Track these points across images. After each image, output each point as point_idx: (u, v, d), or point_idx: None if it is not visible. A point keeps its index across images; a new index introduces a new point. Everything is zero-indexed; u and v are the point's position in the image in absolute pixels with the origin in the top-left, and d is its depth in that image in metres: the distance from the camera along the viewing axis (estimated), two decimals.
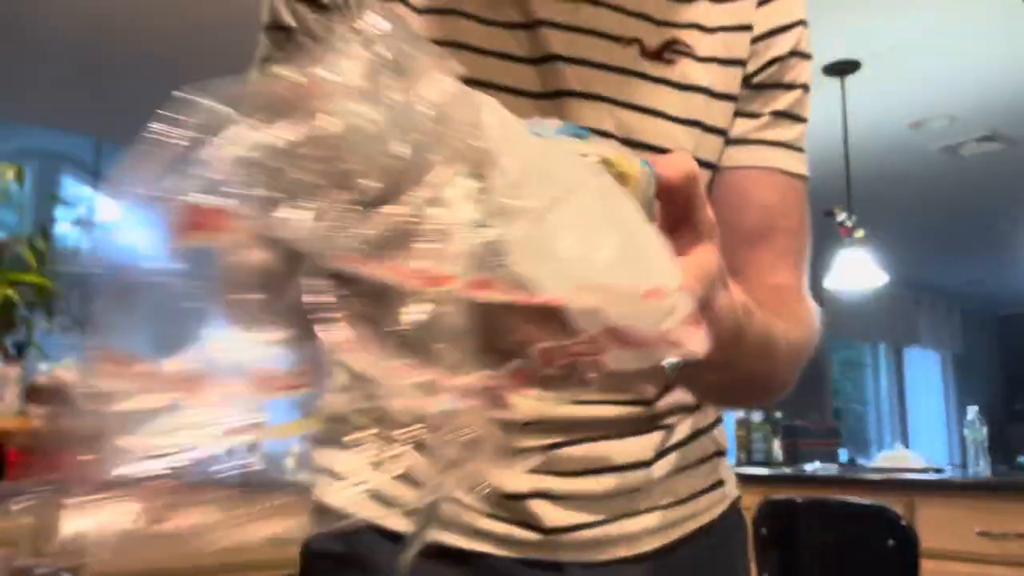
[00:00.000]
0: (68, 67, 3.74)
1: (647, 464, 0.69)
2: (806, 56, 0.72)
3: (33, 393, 2.05)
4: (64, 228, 6.21)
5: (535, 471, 0.66)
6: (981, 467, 2.73)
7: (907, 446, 6.53)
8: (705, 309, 0.38)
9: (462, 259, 0.28)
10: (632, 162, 0.37)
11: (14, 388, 2.10)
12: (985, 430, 2.79)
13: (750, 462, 3.54)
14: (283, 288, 0.30)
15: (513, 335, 0.30)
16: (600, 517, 0.67)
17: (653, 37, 0.66)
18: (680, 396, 0.71)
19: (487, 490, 0.64)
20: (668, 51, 0.66)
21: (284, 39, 0.64)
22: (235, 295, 0.30)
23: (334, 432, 0.42)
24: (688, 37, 0.67)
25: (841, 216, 3.79)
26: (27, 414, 2.04)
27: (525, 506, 0.66)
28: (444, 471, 0.30)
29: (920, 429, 8.67)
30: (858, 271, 3.83)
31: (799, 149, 0.72)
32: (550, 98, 0.64)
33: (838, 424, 7.05)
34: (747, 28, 0.68)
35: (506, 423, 0.31)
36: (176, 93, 0.36)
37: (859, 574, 2.09)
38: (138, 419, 0.30)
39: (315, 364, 0.32)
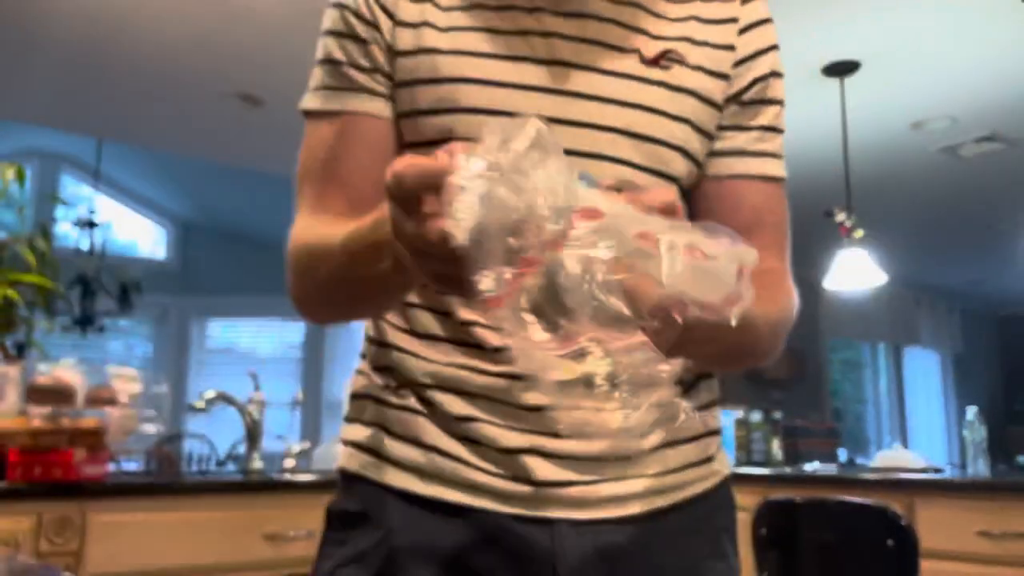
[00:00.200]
0: (69, 68, 3.74)
1: None
2: (781, 75, 0.84)
3: (33, 393, 2.05)
4: (64, 228, 6.22)
5: (530, 431, 0.73)
6: (980, 467, 2.73)
7: (906, 446, 6.53)
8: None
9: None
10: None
11: (14, 388, 2.10)
12: (984, 430, 2.79)
13: (750, 462, 3.54)
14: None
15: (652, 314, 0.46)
16: (589, 477, 0.74)
17: (650, 48, 0.77)
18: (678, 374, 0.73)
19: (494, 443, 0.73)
20: (664, 59, 0.77)
21: (334, 70, 0.79)
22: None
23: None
24: (680, 47, 0.78)
25: (841, 216, 3.79)
26: (27, 414, 2.04)
27: (518, 460, 0.73)
28: (643, 401, 0.45)
29: (919, 429, 8.67)
30: (858, 271, 3.84)
31: (780, 156, 0.85)
32: (561, 95, 0.75)
33: (837, 424, 7.06)
34: (730, 48, 0.80)
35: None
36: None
37: (858, 574, 2.10)
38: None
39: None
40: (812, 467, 3.24)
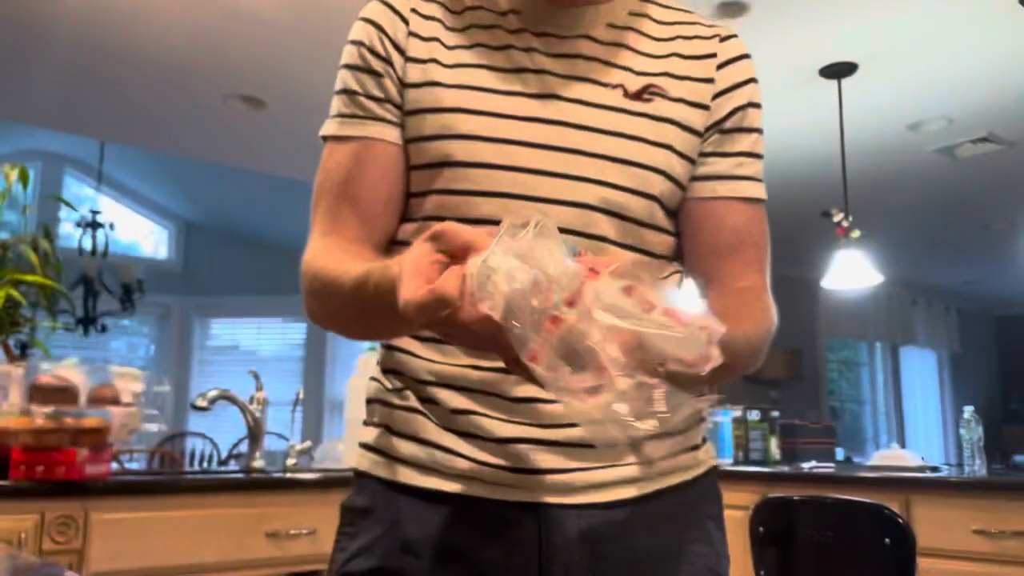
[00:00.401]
0: (72, 70, 3.75)
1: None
2: (759, 106, 0.92)
3: (36, 392, 2.06)
4: (67, 228, 6.22)
5: (521, 422, 0.80)
6: (977, 466, 2.74)
7: (903, 445, 6.55)
8: None
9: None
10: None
11: (18, 387, 2.11)
12: (981, 429, 2.80)
13: (747, 461, 3.56)
14: None
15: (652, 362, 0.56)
16: (575, 464, 0.80)
17: (633, 83, 0.85)
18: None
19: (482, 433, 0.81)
20: (646, 92, 0.85)
21: (351, 100, 0.87)
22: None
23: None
24: (662, 82, 0.86)
25: (838, 217, 3.81)
26: (30, 413, 2.05)
27: (510, 449, 0.79)
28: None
29: (916, 428, 8.69)
30: (855, 271, 3.86)
31: (760, 180, 0.91)
32: (551, 124, 0.83)
33: (835, 423, 7.08)
34: (710, 81, 0.88)
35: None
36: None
37: (855, 572, 2.11)
38: None
39: None
40: (809, 466, 3.26)
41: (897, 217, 5.88)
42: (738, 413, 3.63)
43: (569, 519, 0.79)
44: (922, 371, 8.94)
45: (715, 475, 0.91)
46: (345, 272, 0.75)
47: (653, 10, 0.91)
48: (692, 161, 0.87)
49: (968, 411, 2.83)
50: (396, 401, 0.85)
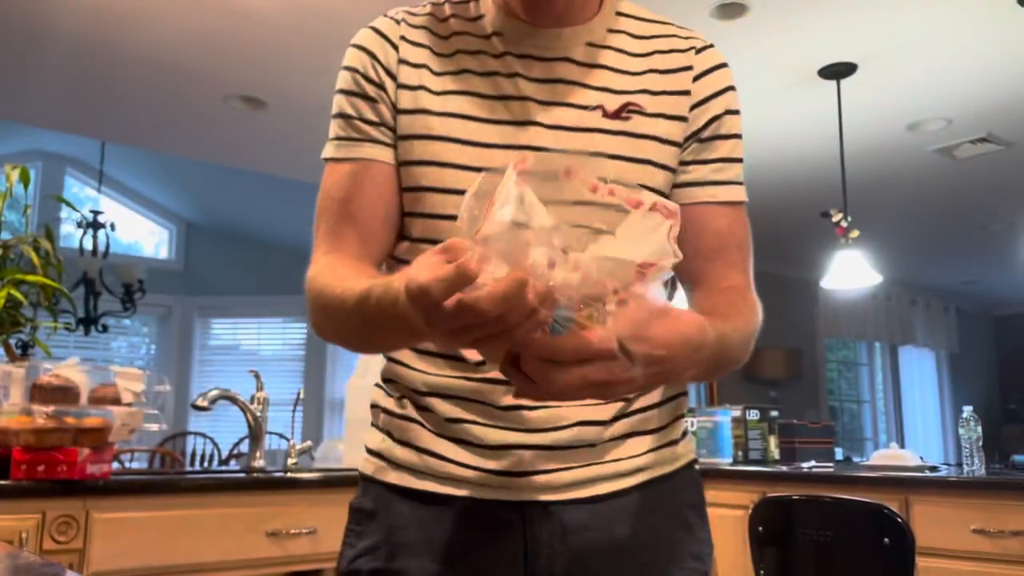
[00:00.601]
0: (73, 71, 3.75)
1: (604, 423, 0.87)
2: (736, 112, 0.95)
3: (37, 392, 2.06)
4: (68, 228, 6.23)
5: (508, 428, 0.85)
6: (976, 466, 2.75)
7: (902, 445, 6.55)
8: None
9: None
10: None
11: (19, 387, 2.11)
12: (979, 429, 2.81)
13: (747, 460, 3.56)
14: None
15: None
16: (559, 465, 0.85)
17: (612, 102, 0.89)
18: None
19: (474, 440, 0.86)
20: (625, 111, 0.89)
21: (347, 124, 0.92)
22: None
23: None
24: (639, 99, 0.90)
25: (837, 217, 3.81)
26: (32, 413, 2.05)
27: (499, 454, 0.85)
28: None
29: (915, 428, 8.69)
30: (854, 271, 3.86)
31: (740, 183, 0.95)
32: (534, 151, 0.85)
33: (834, 423, 7.08)
34: (686, 93, 0.92)
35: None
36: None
37: (855, 571, 2.11)
38: None
39: None
40: (808, 465, 3.26)
41: (896, 217, 5.88)
42: (737, 413, 3.63)
43: (553, 515, 0.85)
44: (921, 371, 8.94)
45: (694, 467, 0.97)
46: (349, 289, 0.78)
47: (631, 24, 0.94)
48: (673, 171, 0.91)
49: (967, 411, 2.84)
50: (395, 409, 0.92)
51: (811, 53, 3.51)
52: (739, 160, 0.95)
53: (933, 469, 2.93)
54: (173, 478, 2.18)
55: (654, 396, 0.91)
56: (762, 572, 2.26)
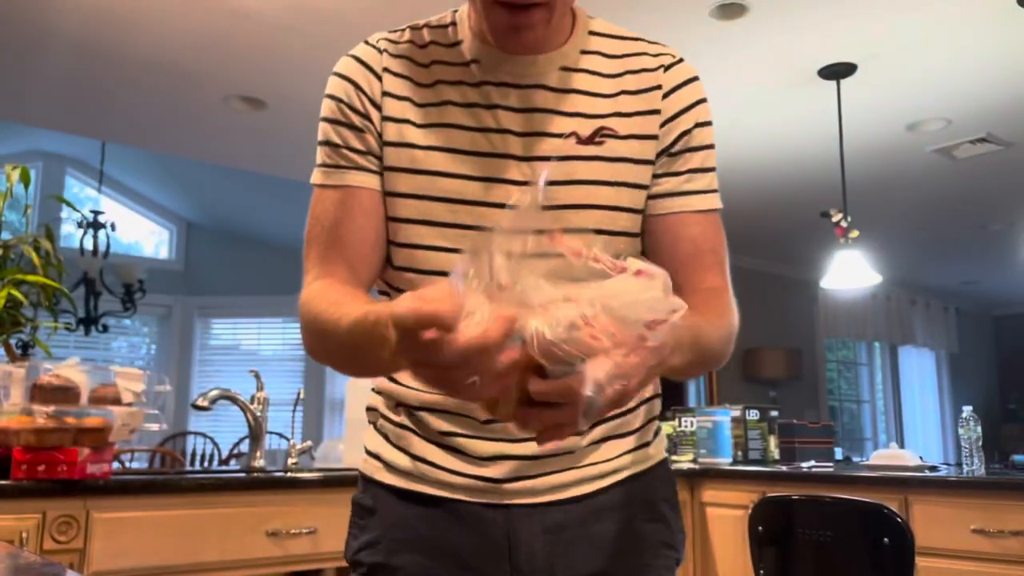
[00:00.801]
0: (73, 71, 3.75)
1: (579, 432, 0.90)
2: (707, 124, 0.99)
3: (38, 392, 2.07)
4: (69, 228, 6.23)
5: (493, 439, 0.92)
6: (975, 465, 2.75)
7: (902, 444, 6.56)
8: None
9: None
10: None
11: (19, 387, 2.11)
12: (979, 429, 2.81)
13: (746, 460, 3.56)
14: None
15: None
16: (539, 471, 0.93)
17: (586, 128, 0.93)
18: None
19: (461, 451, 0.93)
20: (598, 135, 0.93)
21: (333, 152, 0.95)
22: None
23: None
24: (612, 123, 0.94)
25: (837, 217, 3.82)
26: (32, 413, 2.05)
27: (485, 463, 0.92)
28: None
29: (915, 428, 8.70)
30: (854, 271, 3.86)
31: (713, 191, 0.98)
32: (516, 184, 0.91)
33: (834, 422, 7.08)
34: (656, 112, 0.96)
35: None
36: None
37: (854, 571, 2.12)
38: None
39: None
40: (808, 465, 3.27)
41: (896, 217, 5.88)
42: (737, 412, 3.64)
43: (533, 516, 0.92)
44: (921, 371, 8.95)
45: (666, 464, 1.03)
46: (344, 315, 0.81)
47: (603, 44, 0.98)
48: (647, 188, 0.96)
49: (967, 410, 2.84)
50: (391, 416, 0.99)
51: (811, 53, 3.52)
52: (711, 169, 0.98)
53: (933, 469, 2.93)
54: (173, 478, 2.19)
55: (629, 402, 0.93)
56: (762, 572, 2.26)
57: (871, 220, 5.32)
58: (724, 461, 3.42)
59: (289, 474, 2.46)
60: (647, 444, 1.00)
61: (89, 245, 5.32)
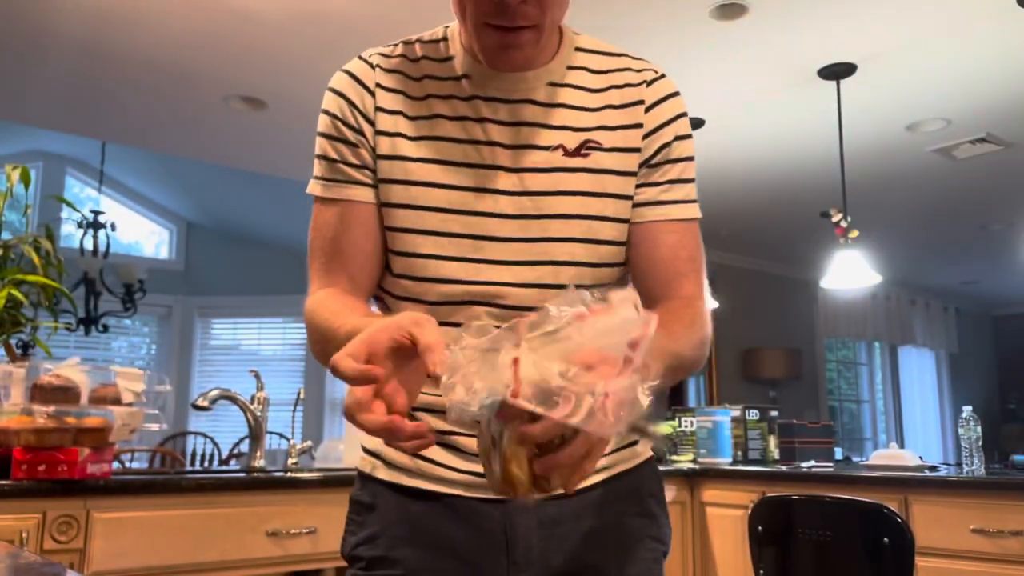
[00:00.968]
0: (74, 72, 3.75)
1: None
2: (687, 137, 1.03)
3: (38, 392, 2.07)
4: (69, 229, 6.23)
5: None
6: (975, 465, 2.75)
7: (902, 444, 6.56)
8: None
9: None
10: None
11: (19, 387, 2.12)
12: (979, 429, 2.81)
13: (746, 460, 3.57)
14: None
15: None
16: None
17: (572, 141, 0.97)
18: None
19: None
20: (584, 148, 0.97)
21: (330, 166, 0.99)
22: None
23: None
24: (597, 136, 0.98)
25: (837, 217, 3.82)
26: (32, 413, 2.06)
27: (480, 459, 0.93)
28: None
29: (915, 428, 8.70)
30: (853, 271, 3.86)
31: (691, 201, 1.02)
32: (504, 195, 0.95)
33: (833, 422, 7.08)
34: (639, 126, 1.00)
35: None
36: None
37: (854, 571, 2.12)
38: None
39: None
40: (808, 465, 3.27)
41: (895, 217, 5.89)
42: (737, 412, 3.64)
43: (528, 511, 0.96)
44: (921, 371, 8.95)
45: (653, 462, 1.08)
46: (340, 326, 0.86)
47: (588, 60, 1.02)
48: (631, 198, 1.00)
49: (966, 410, 2.84)
50: None
51: (811, 53, 3.52)
52: (690, 180, 1.02)
53: (932, 469, 2.93)
54: (173, 478, 2.19)
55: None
56: (762, 572, 2.27)
57: (871, 220, 5.32)
58: (724, 461, 3.42)
59: (289, 474, 2.46)
60: (634, 443, 1.04)
61: (89, 245, 5.32)
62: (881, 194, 5.30)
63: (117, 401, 2.11)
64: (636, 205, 1.00)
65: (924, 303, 8.87)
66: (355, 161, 0.98)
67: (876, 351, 8.64)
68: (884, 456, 3.06)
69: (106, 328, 5.45)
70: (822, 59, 3.56)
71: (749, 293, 6.93)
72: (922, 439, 8.62)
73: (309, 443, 2.84)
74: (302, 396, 2.93)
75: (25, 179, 2.27)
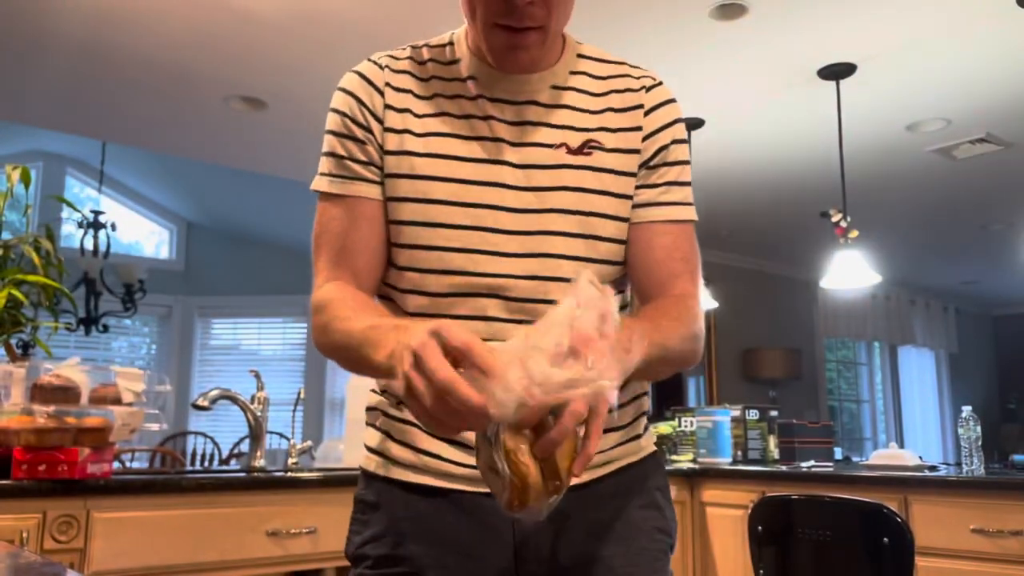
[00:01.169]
0: (74, 71, 3.75)
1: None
2: (683, 141, 1.07)
3: (38, 392, 2.07)
4: (69, 229, 6.23)
5: None
6: (975, 465, 2.75)
7: (901, 444, 6.56)
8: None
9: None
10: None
11: (20, 387, 2.12)
12: (979, 428, 2.81)
13: (746, 460, 3.57)
14: None
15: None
16: None
17: (575, 139, 1.01)
18: None
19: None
20: (586, 147, 1.01)
21: (338, 163, 1.01)
22: None
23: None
24: (599, 136, 1.02)
25: (837, 217, 3.82)
26: (32, 413, 2.06)
27: None
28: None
29: (914, 427, 8.70)
30: (853, 271, 3.86)
31: (687, 203, 1.06)
32: (508, 189, 0.98)
33: (833, 422, 7.08)
34: (638, 129, 1.04)
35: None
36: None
37: (854, 571, 2.12)
38: None
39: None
40: (808, 465, 3.27)
41: (895, 217, 5.89)
42: (737, 412, 3.64)
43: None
44: (920, 371, 8.95)
45: (657, 456, 1.11)
46: (349, 323, 0.90)
47: (590, 66, 1.06)
48: (629, 198, 1.03)
49: (966, 410, 2.84)
50: (394, 413, 1.03)
51: (811, 53, 3.52)
52: (686, 183, 1.06)
53: (932, 469, 2.93)
54: (173, 478, 2.19)
55: (620, 398, 1.02)
56: (762, 572, 2.27)
57: (871, 220, 5.32)
58: (724, 461, 3.42)
59: (289, 474, 2.46)
60: (639, 436, 1.07)
61: (89, 245, 5.32)
62: (881, 194, 5.30)
63: (117, 401, 2.11)
64: (634, 206, 1.03)
65: (924, 303, 8.87)
66: (362, 158, 1.00)
67: (876, 351, 8.64)
68: (884, 456, 3.06)
69: (106, 328, 5.45)
70: (822, 59, 3.56)
71: (749, 293, 6.93)
72: (922, 439, 8.62)
73: (309, 443, 2.84)
74: (302, 396, 2.93)
75: (25, 179, 2.27)
